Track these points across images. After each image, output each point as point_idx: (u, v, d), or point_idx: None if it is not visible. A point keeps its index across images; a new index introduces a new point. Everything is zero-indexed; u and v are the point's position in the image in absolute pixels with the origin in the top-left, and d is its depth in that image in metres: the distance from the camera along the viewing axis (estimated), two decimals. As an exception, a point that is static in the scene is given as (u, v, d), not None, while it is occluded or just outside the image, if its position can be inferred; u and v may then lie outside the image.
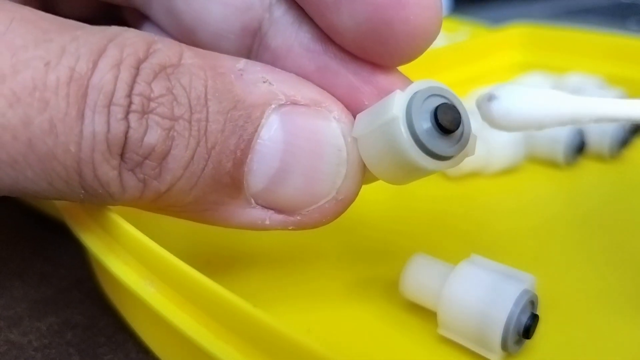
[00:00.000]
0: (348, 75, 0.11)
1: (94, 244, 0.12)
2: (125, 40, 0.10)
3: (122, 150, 0.10)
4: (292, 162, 0.10)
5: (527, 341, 0.12)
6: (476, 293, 0.11)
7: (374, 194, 0.19)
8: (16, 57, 0.09)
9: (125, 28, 0.10)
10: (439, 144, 0.10)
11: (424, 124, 0.10)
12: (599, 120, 0.10)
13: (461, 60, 0.26)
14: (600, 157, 0.21)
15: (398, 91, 0.10)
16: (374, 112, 0.10)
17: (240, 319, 0.09)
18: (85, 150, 0.09)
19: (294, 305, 0.13)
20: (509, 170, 0.20)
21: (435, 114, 0.10)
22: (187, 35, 0.12)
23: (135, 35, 0.10)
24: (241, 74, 0.10)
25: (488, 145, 0.20)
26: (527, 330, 0.11)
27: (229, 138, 0.10)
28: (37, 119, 0.09)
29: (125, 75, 0.09)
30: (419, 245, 0.15)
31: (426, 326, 0.12)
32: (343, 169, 0.10)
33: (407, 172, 0.10)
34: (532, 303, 0.12)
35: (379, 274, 0.14)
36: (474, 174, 0.20)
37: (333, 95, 0.11)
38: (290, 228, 0.11)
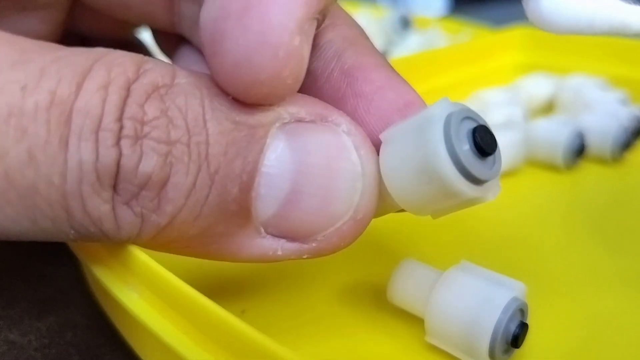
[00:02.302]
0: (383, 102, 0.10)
1: (79, 249, 0.12)
2: (112, 60, 0.09)
3: (115, 181, 0.09)
4: (303, 183, 0.09)
5: (516, 350, 0.11)
6: (464, 300, 0.11)
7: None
8: None
9: (111, 49, 0.09)
10: (477, 166, 0.09)
11: (463, 145, 0.09)
12: None
13: (463, 62, 0.26)
14: (602, 160, 0.21)
15: (432, 110, 0.09)
16: (406, 128, 0.10)
17: (220, 326, 0.09)
18: (71, 182, 0.08)
19: (281, 311, 0.13)
20: (508, 174, 0.20)
21: (474, 135, 0.09)
22: None
23: (122, 55, 0.09)
24: None
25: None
26: (516, 339, 0.11)
27: (233, 161, 0.09)
28: (13, 150, 0.08)
29: (114, 98, 0.09)
30: (410, 250, 0.15)
31: (414, 333, 0.12)
32: (359, 185, 0.10)
33: (438, 197, 0.09)
34: (522, 311, 0.12)
35: (367, 280, 0.14)
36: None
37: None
38: (305, 256, 0.10)
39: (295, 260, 0.15)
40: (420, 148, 0.09)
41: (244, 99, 0.09)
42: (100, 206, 0.09)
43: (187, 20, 0.14)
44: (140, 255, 0.10)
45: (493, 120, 0.22)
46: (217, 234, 0.10)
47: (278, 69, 0.09)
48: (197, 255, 0.10)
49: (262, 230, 0.10)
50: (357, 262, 0.15)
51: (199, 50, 0.14)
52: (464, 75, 0.26)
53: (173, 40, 0.15)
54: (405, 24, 0.36)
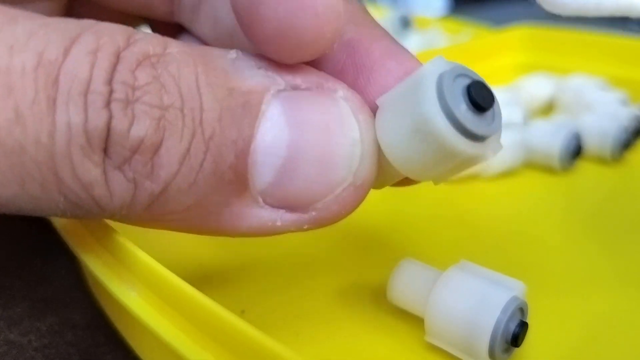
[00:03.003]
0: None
1: (79, 246, 0.12)
2: (102, 30, 0.09)
3: (106, 144, 0.08)
4: (300, 149, 0.09)
5: (516, 349, 0.12)
6: (463, 300, 0.11)
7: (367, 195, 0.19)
8: None
9: (100, 21, 0.09)
10: (474, 122, 0.09)
11: (458, 102, 0.09)
12: None
13: (463, 62, 0.26)
14: (602, 160, 0.21)
15: (424, 70, 0.09)
16: (400, 91, 0.10)
17: (219, 326, 0.09)
18: (59, 143, 0.08)
19: (281, 311, 0.13)
20: (507, 174, 0.20)
21: (469, 91, 0.09)
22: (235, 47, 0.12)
23: (112, 26, 0.09)
24: (233, 62, 0.09)
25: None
26: (516, 338, 0.11)
27: (228, 128, 0.09)
28: (0, 106, 0.08)
29: (103, 63, 0.08)
30: (410, 249, 0.15)
31: (414, 333, 0.12)
32: (358, 150, 0.10)
33: (437, 158, 0.09)
34: (522, 310, 0.12)
35: (367, 279, 0.14)
36: (471, 177, 0.20)
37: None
38: (305, 227, 0.10)
39: (294, 260, 0.16)
40: (414, 108, 0.09)
41: (289, 60, 0.09)
42: (90, 170, 0.09)
43: (187, 9, 0.14)
44: (140, 254, 0.10)
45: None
46: (214, 204, 0.09)
47: (320, 28, 0.09)
48: (196, 229, 0.10)
49: (260, 200, 0.10)
50: (357, 262, 0.15)
51: (198, 39, 0.14)
52: (464, 76, 0.26)
53: (171, 31, 0.15)
54: (405, 24, 0.36)
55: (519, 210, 0.18)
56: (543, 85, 0.26)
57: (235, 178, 0.09)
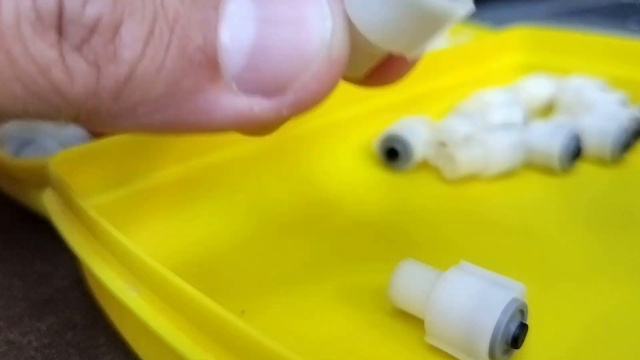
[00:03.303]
0: None
1: (80, 246, 0.12)
2: None
3: (59, 22, 0.08)
4: (269, 27, 0.09)
5: (516, 351, 0.12)
6: (463, 301, 0.11)
7: (367, 195, 0.20)
8: None
9: None
10: None
11: None
12: None
13: (463, 62, 0.26)
14: (601, 161, 0.21)
15: None
16: None
17: (220, 326, 0.09)
18: (7, 20, 0.08)
19: (281, 311, 0.13)
20: (507, 174, 0.20)
21: None
22: None
23: None
24: None
25: (487, 148, 0.20)
26: (516, 339, 0.11)
27: (192, 10, 0.09)
28: None
29: None
30: (410, 250, 0.15)
31: (414, 334, 0.12)
32: (329, 22, 0.09)
33: (405, 19, 0.09)
34: (522, 312, 0.12)
35: (367, 280, 0.14)
36: (471, 177, 0.20)
37: None
38: (285, 112, 0.10)
39: (295, 261, 0.16)
40: None
41: None
42: (46, 51, 0.08)
43: None
44: (140, 254, 0.11)
45: (493, 120, 0.22)
46: (186, 91, 0.09)
47: None
48: (172, 125, 0.10)
49: (234, 86, 0.09)
50: (357, 262, 0.15)
51: None
52: (464, 76, 0.26)
53: None
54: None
55: (519, 211, 0.18)
56: (543, 86, 0.26)
57: (205, 60, 0.09)
